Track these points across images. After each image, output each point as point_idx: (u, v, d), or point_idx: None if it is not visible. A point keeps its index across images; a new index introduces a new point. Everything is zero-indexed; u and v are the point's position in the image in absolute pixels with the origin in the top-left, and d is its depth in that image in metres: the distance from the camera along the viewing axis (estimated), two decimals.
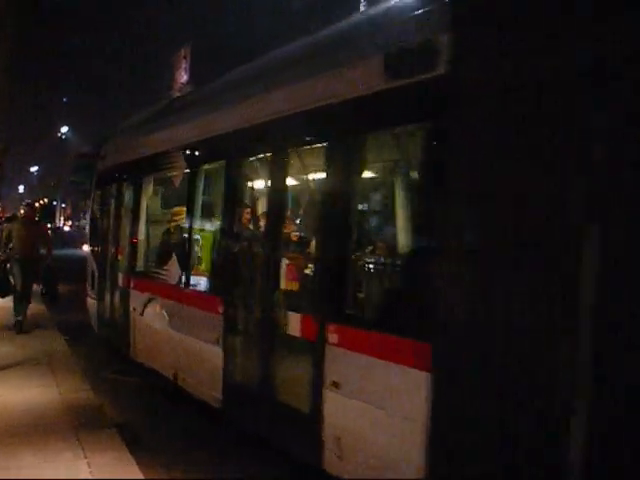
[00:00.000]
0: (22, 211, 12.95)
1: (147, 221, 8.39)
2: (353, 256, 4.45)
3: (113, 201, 9.44)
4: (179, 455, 5.58)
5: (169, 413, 6.88)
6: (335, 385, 4.41)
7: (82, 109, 52.17)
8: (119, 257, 9.04)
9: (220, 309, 5.93)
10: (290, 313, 4.95)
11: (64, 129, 66.15)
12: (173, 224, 7.62)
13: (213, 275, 6.32)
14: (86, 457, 4.99)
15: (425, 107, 3.93)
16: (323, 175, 4.72)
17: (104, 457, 5.00)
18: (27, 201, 15.07)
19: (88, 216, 12.11)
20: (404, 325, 3.90)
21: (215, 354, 6.00)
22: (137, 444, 5.59)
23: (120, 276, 8.84)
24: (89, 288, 10.47)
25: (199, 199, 6.82)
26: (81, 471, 4.74)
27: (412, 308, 3.90)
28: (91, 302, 10.29)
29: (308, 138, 4.93)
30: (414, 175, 4.59)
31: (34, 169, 72.52)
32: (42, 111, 52.06)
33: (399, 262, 4.17)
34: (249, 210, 5.95)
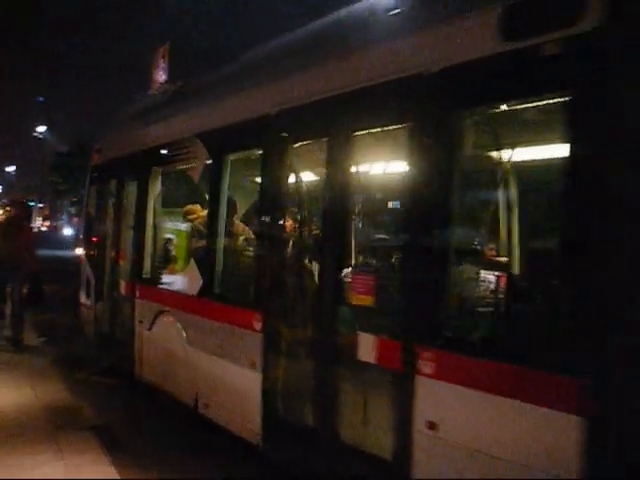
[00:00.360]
0: (7, 209, 11.57)
1: (155, 220, 7.35)
2: (459, 264, 3.51)
3: (113, 198, 8.36)
4: (157, 457, 5.43)
5: (147, 414, 6.69)
6: (431, 426, 3.47)
7: (60, 109, 50.81)
8: (121, 262, 7.98)
9: (258, 326, 4.95)
10: (361, 334, 3.99)
11: (41, 129, 64.76)
12: (192, 224, 6.62)
13: (250, 284, 5.31)
14: (63, 459, 4.97)
15: (564, 74, 3.00)
16: (410, 161, 3.77)
17: (81, 459, 4.99)
18: (3, 201, 13.74)
19: (78, 216, 10.95)
20: (541, 355, 2.98)
21: (251, 379, 5.02)
22: (114, 446, 5.51)
23: (122, 284, 7.78)
24: (83, 296, 9.36)
25: (224, 194, 5.82)
26: (58, 472, 4.71)
27: (555, 333, 2.99)
28: (86, 312, 9.19)
29: (386, 117, 3.97)
30: (547, 161, 3.65)
31: (11, 169, 70.58)
32: (19, 110, 50.53)
33: (531, 272, 3.24)
34: (302, 205, 4.94)
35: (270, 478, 4.99)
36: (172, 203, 7.53)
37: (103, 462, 4.97)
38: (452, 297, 3.49)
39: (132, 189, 7.78)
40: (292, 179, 4.96)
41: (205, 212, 6.97)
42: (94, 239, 9.07)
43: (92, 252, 9.13)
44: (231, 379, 5.38)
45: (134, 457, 5.37)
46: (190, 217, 7.05)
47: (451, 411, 3.41)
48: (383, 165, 4.53)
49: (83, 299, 9.39)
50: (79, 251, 10.16)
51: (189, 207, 7.19)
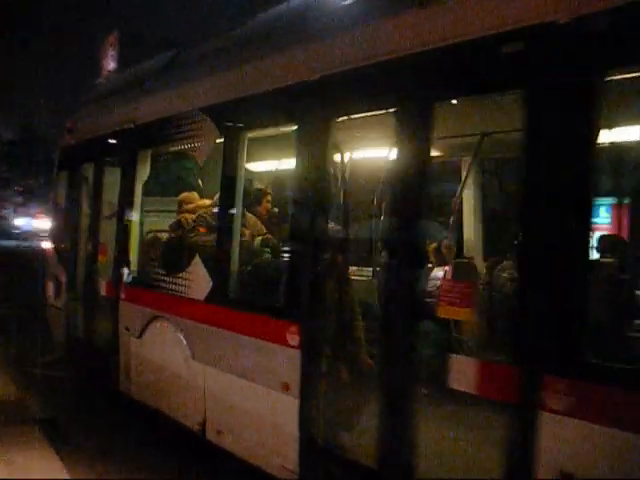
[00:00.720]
0: None
1: (145, 210, 6.34)
2: (603, 268, 2.67)
3: (90, 184, 7.27)
4: (106, 453, 5.29)
5: (99, 410, 6.43)
6: (568, 478, 2.66)
7: (5, 95, 48.48)
8: (100, 258, 6.92)
9: (294, 340, 4.03)
10: (454, 357, 3.13)
11: None
12: (198, 214, 5.63)
13: (280, 289, 4.38)
14: (7, 453, 4.81)
15: None
16: (517, 134, 2.94)
17: (26, 454, 4.83)
18: None
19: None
20: None
21: (283, 405, 4.12)
22: (62, 441, 5.34)
23: (102, 283, 6.73)
24: (52, 295, 8.22)
25: (240, 180, 4.85)
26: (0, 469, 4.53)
27: None
28: (55, 314, 8.06)
29: (483, 79, 3.11)
30: None
31: None
32: None
33: None
34: (355, 191, 4.03)
35: None
36: (164, 191, 6.53)
37: (50, 458, 4.82)
38: (599, 311, 2.66)
39: (116, 173, 6.70)
40: (336, 159, 4.05)
41: (204, 201, 6.04)
42: (66, 231, 7.94)
43: (63, 246, 7.99)
44: (254, 403, 4.45)
45: (83, 453, 5.21)
46: (187, 207, 6.10)
47: (598, 459, 2.59)
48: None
49: (51, 299, 8.26)
50: (45, 244, 8.97)
51: (185, 195, 6.24)
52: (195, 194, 6.25)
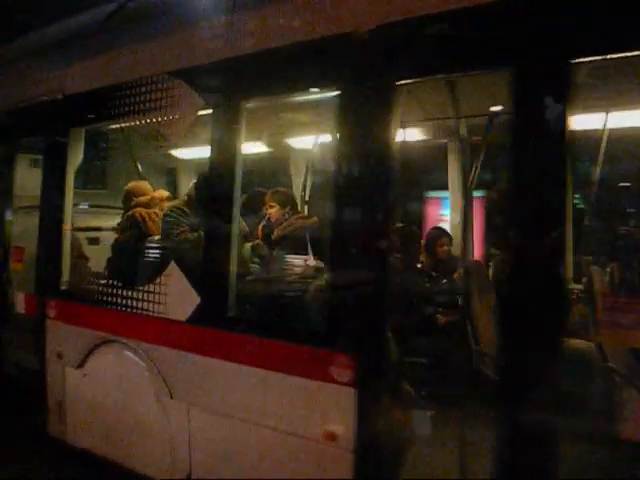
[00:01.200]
0: None
1: (79, 204, 5.02)
2: None
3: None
4: None
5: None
6: None
7: None
8: (14, 264, 5.47)
9: (344, 376, 3.03)
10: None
11: None
12: (166, 208, 4.41)
13: (318, 306, 3.33)
14: None
15: None
16: None
17: None
18: None
19: None
20: None
21: (328, 459, 3.11)
22: None
23: (18, 296, 5.30)
24: None
25: (235, 164, 3.74)
26: None
27: None
28: None
29: None
30: None
31: None
32: None
33: None
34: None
35: None
36: (103, 181, 5.22)
37: None
38: None
39: (32, 159, 5.30)
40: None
41: (161, 192, 4.88)
42: None
43: None
44: (273, 455, 3.38)
45: None
46: (139, 200, 4.87)
47: None
48: None
49: None
50: None
51: (135, 185, 5.03)
52: (146, 183, 5.04)
